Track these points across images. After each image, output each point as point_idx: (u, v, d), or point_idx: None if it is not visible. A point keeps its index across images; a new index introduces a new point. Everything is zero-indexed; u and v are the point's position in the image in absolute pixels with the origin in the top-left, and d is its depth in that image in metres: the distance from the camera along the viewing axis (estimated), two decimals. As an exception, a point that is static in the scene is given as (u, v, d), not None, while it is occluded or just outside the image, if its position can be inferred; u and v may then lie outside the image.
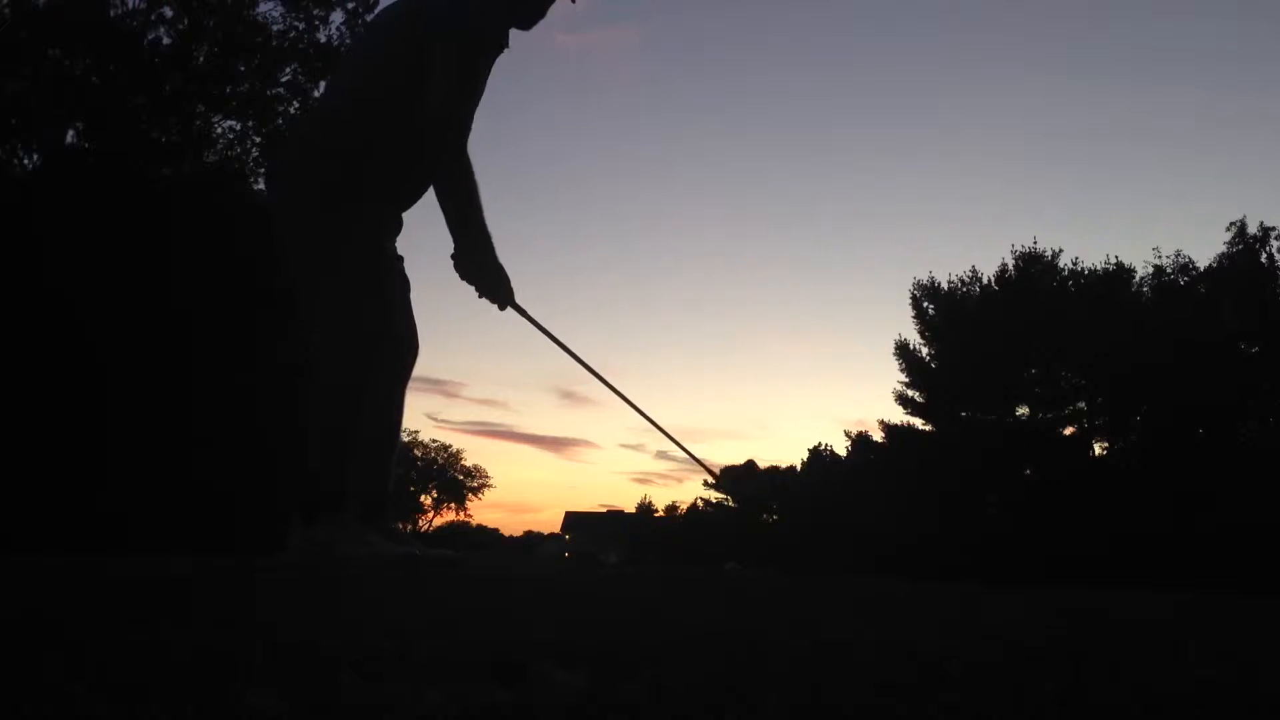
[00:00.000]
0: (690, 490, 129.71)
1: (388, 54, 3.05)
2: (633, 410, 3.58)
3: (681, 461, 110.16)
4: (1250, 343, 25.95)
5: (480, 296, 3.17)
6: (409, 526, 60.04)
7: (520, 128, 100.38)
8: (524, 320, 3.26)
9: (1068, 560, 22.79)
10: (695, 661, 1.25)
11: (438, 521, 72.07)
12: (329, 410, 2.98)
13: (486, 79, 3.21)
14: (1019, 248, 31.40)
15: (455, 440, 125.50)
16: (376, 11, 3.47)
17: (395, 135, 3.02)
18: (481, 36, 3.08)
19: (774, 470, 53.08)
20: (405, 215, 3.28)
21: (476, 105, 3.22)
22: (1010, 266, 31.26)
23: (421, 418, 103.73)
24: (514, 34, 3.22)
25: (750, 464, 54.68)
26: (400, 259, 3.26)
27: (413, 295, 3.28)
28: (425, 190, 3.20)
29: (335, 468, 2.96)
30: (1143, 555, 22.78)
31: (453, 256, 3.15)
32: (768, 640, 1.60)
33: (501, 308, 3.21)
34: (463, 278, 3.15)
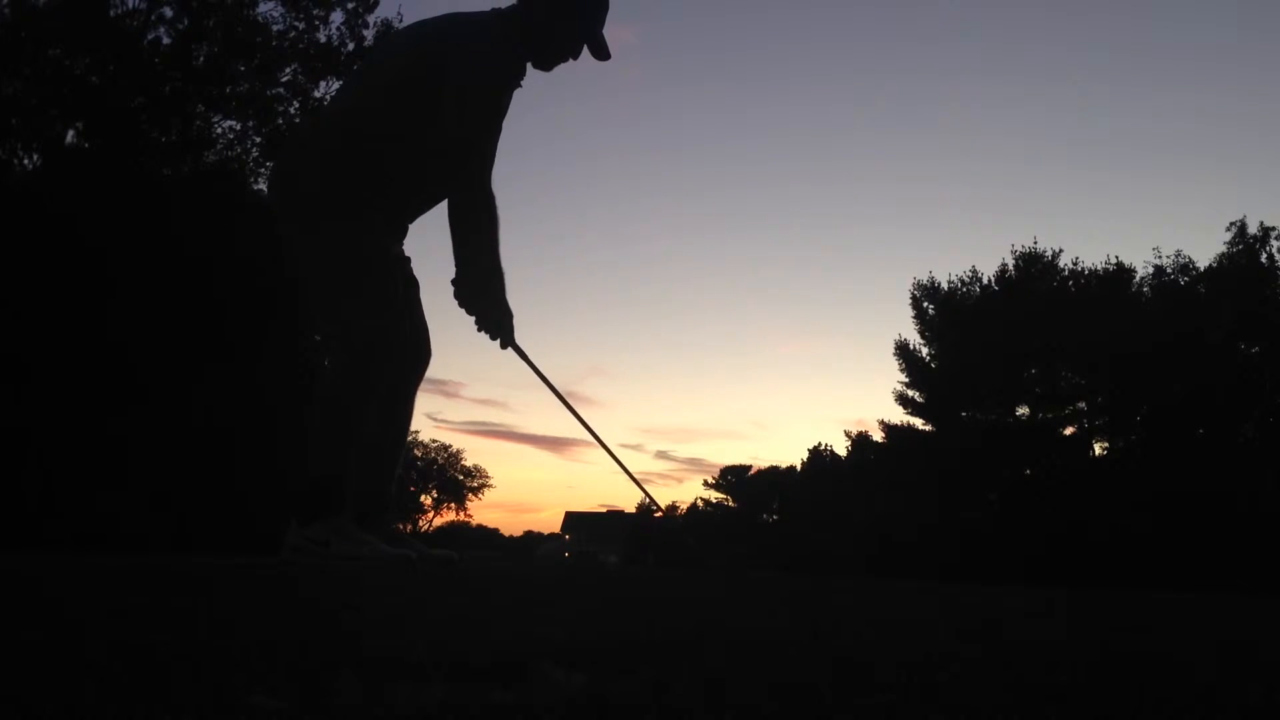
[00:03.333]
0: (690, 490, 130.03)
1: (402, 73, 3.04)
2: (608, 436, 3.54)
3: (682, 462, 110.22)
4: (1250, 343, 25.94)
5: (479, 330, 3.12)
6: (409, 527, 60.10)
7: (521, 127, 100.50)
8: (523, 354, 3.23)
9: (1067, 560, 22.80)
10: (695, 661, 1.25)
11: (438, 521, 72.11)
12: (330, 414, 2.99)
13: (506, 111, 3.23)
14: (1019, 248, 31.35)
15: (455, 440, 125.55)
16: (395, 30, 3.42)
17: (403, 152, 3.02)
18: (507, 77, 3.11)
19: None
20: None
21: (498, 137, 3.25)
22: (1010, 266, 31.22)
23: (421, 418, 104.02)
24: None
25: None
26: (408, 260, 3.27)
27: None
28: (434, 204, 3.19)
29: (334, 470, 2.96)
30: (1143, 555, 22.78)
31: (453, 282, 3.09)
32: (767, 640, 1.60)
33: (502, 346, 3.16)
34: (461, 305, 3.09)
